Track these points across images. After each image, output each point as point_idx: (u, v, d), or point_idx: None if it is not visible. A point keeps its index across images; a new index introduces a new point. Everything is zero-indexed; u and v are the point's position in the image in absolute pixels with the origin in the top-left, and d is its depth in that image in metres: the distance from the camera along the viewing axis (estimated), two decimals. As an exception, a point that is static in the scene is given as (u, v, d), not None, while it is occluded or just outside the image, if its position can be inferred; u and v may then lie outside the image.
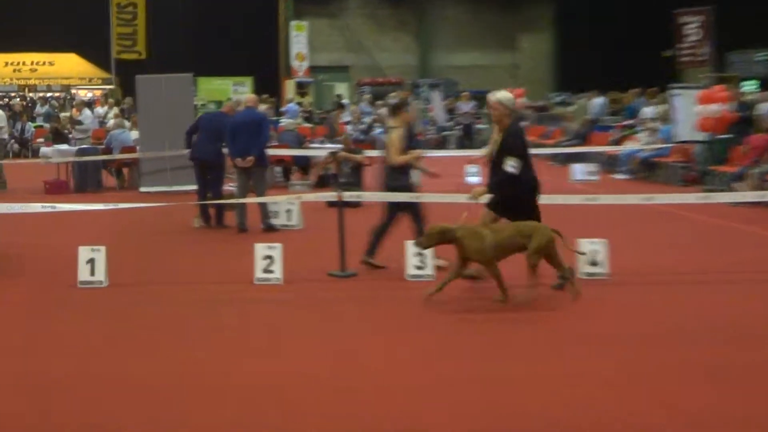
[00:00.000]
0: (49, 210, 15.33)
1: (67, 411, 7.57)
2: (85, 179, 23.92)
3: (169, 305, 11.39)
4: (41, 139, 32.20)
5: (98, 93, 45.02)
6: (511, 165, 10.74)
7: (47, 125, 34.80)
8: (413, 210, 12.74)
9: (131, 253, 14.11)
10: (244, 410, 7.63)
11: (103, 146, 25.59)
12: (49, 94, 45.09)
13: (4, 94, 43.40)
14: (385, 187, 13.26)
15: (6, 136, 27.83)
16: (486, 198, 11.73)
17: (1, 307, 11.41)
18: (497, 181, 10.88)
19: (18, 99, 41.39)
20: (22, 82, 46.85)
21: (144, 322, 10.69)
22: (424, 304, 11.20)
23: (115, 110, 35.16)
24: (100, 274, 12.30)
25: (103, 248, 12.46)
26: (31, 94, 45.25)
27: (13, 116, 33.86)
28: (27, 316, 10.82)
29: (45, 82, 47.13)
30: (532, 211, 11.07)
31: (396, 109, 12.82)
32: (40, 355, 9.44)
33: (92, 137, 29.78)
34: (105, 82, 45.85)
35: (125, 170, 24.57)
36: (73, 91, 45.77)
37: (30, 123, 35.80)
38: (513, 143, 10.99)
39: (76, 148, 25.97)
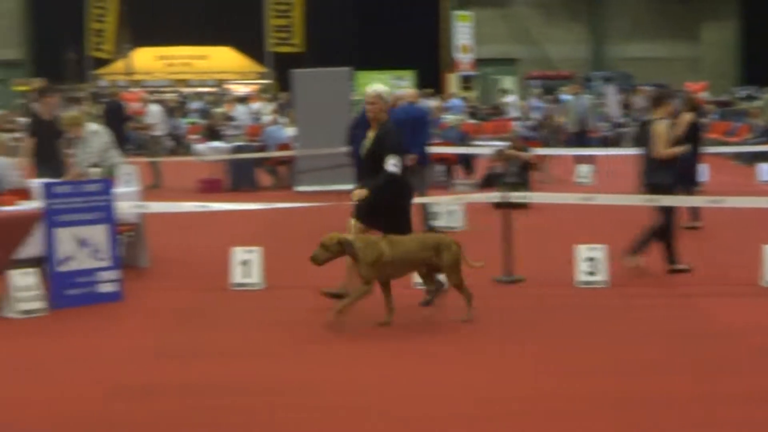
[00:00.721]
0: (203, 209, 15.67)
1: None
2: (239, 177, 24.37)
3: (326, 310, 11.39)
4: (194, 136, 32.82)
5: (253, 88, 45.49)
6: (393, 164, 10.53)
7: (201, 122, 35.50)
8: (669, 215, 12.48)
9: (287, 255, 14.23)
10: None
11: (258, 143, 26.11)
12: (202, 89, 45.87)
13: (156, 89, 43.87)
14: (644, 183, 13.12)
15: (161, 133, 28.58)
16: (356, 205, 11.43)
17: (155, 310, 11.77)
18: (379, 182, 10.54)
19: (171, 94, 42.25)
20: (175, 77, 47.73)
21: (301, 327, 10.82)
22: (587, 314, 11.03)
23: (271, 106, 35.55)
24: (256, 276, 12.55)
25: (258, 249, 12.72)
26: (184, 89, 45.90)
27: (168, 112, 34.27)
28: (180, 321, 11.14)
29: (198, 76, 48.06)
30: (406, 220, 10.91)
31: (658, 101, 12.75)
32: (198, 360, 9.57)
33: (247, 134, 30.35)
34: (260, 76, 46.86)
35: (280, 168, 24.84)
36: (227, 86, 46.35)
37: (183, 119, 36.55)
38: (392, 140, 10.77)
39: (231, 145, 26.52)
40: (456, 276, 10.68)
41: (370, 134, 10.79)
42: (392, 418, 7.96)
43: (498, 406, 8.14)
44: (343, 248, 10.60)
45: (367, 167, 10.86)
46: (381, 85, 11.15)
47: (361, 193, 10.60)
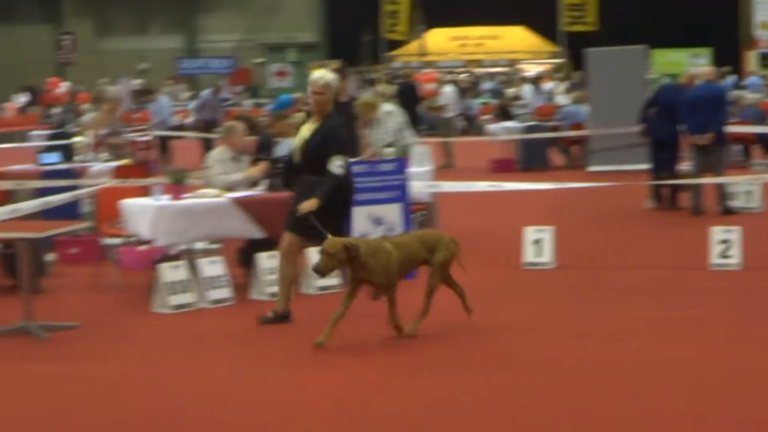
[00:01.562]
0: (495, 189, 15.85)
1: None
2: (531, 157, 24.50)
3: (617, 290, 11.51)
4: (486, 116, 32.96)
5: (545, 67, 45.48)
6: (339, 165, 9.35)
7: (493, 102, 35.78)
8: None
9: (579, 235, 14.32)
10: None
11: (552, 123, 26.09)
12: (494, 70, 46.00)
13: (449, 70, 44.16)
14: None
15: (454, 114, 29.09)
16: (293, 216, 10.07)
17: (448, 289, 11.74)
18: (326, 189, 9.23)
19: (464, 75, 42.66)
20: (468, 58, 48.01)
21: (592, 307, 10.87)
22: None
23: (563, 85, 35.68)
24: (547, 256, 12.61)
25: (549, 228, 12.80)
26: (476, 70, 46.08)
27: (460, 92, 34.54)
28: (474, 298, 10.95)
29: (491, 56, 48.21)
30: (345, 226, 9.96)
31: None
32: (476, 335, 9.75)
33: (538, 114, 30.11)
34: (552, 55, 46.73)
35: (573, 148, 24.86)
36: (519, 65, 46.32)
37: (475, 99, 36.79)
38: (339, 137, 9.55)
39: (523, 125, 26.60)
40: (440, 276, 9.95)
41: (308, 128, 9.59)
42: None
43: None
44: (349, 254, 9.53)
45: (304, 166, 9.49)
46: (328, 73, 9.96)
47: (309, 205, 9.10)
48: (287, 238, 9.43)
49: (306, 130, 9.47)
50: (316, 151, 9.19)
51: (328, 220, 9.03)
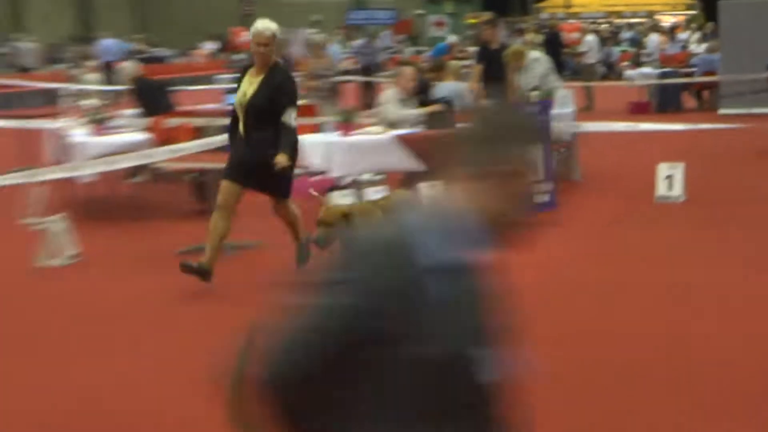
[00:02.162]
0: (631, 129, 15.81)
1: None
2: (665, 101, 23.92)
3: (745, 224, 11.16)
4: (625, 63, 32.59)
5: (680, 19, 44.83)
6: (294, 117, 8.05)
7: (631, 50, 35.28)
8: None
9: (708, 172, 13.93)
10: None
11: (685, 69, 25.60)
12: (634, 20, 45.80)
13: (592, 20, 44.35)
14: None
15: (594, 60, 28.80)
16: (231, 165, 8.79)
17: (586, 218, 11.81)
18: (289, 141, 7.87)
19: (605, 25, 42.52)
20: (609, 9, 47.87)
21: (721, 236, 10.60)
22: None
23: (697, 35, 34.92)
24: (678, 190, 12.36)
25: (681, 165, 12.52)
26: (616, 20, 46.03)
27: (601, 41, 34.26)
28: (607, 228, 11.17)
29: (631, 8, 48.24)
30: (290, 180, 8.45)
31: None
32: (612, 262, 9.69)
33: (673, 60, 28.93)
34: (687, 7, 46.22)
35: (705, 93, 24.30)
36: (657, 16, 45.71)
37: (615, 47, 36.51)
38: (291, 89, 8.21)
39: (658, 71, 26.13)
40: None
41: (250, 80, 8.06)
42: None
43: None
44: (347, 222, 8.28)
45: (251, 119, 8.00)
46: (272, 23, 8.17)
47: (284, 160, 7.65)
48: (227, 188, 7.92)
49: (248, 83, 7.90)
50: (264, 104, 7.72)
51: (272, 176, 7.73)
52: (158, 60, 32.65)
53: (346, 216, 7.08)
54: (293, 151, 7.80)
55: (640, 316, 8.25)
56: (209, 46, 36.81)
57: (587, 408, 6.23)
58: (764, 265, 9.85)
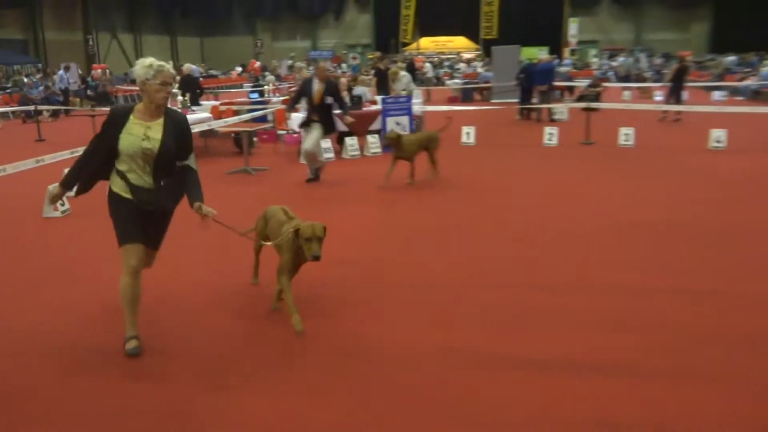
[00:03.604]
0: (449, 109, 15.53)
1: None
2: (466, 96, 23.99)
3: (507, 151, 12.10)
4: (447, 77, 30.59)
5: (473, 55, 41.84)
6: (194, 160, 4.37)
7: (450, 71, 33.57)
8: None
9: (487, 130, 14.59)
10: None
11: (475, 81, 24.83)
12: (450, 55, 42.08)
13: (430, 56, 40.58)
14: None
15: (430, 74, 28.38)
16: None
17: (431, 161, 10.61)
18: (199, 185, 4.04)
19: (436, 58, 39.09)
20: (439, 50, 43.93)
21: (495, 155, 11.58)
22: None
23: (482, 63, 33.24)
24: (473, 139, 13.46)
25: (474, 127, 13.60)
26: (442, 56, 42.34)
27: (434, 66, 33.26)
28: (441, 157, 10.29)
29: (449, 50, 44.17)
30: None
31: None
32: (449, 165, 9.85)
33: (469, 76, 28.52)
34: (477, 49, 42.78)
35: (485, 92, 23.96)
36: (461, 54, 42.49)
37: (441, 69, 34.00)
38: (190, 133, 4.12)
39: (462, 81, 25.82)
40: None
41: (149, 126, 4.06)
42: None
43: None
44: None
45: (158, 169, 4.05)
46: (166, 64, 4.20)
47: (211, 209, 4.07)
48: (139, 252, 4.05)
49: (147, 130, 4.04)
50: (174, 151, 4.10)
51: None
52: (213, 76, 32.50)
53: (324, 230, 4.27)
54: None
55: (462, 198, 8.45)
56: (238, 69, 34.99)
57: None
58: (524, 164, 10.74)
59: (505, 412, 3.33)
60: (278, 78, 20.85)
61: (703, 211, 7.44)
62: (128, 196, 3.93)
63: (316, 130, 9.26)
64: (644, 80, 28.74)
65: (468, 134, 13.44)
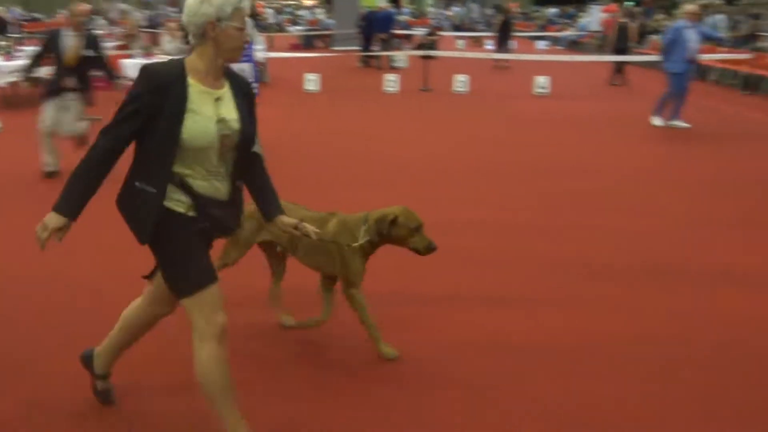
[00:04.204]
0: (292, 56, 16.17)
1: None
2: (308, 42, 23.78)
3: (343, 96, 12.51)
4: (288, 24, 29.76)
5: (316, 1, 40.87)
6: None
7: (290, 17, 32.90)
8: None
9: (330, 76, 14.64)
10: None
11: (317, 28, 24.82)
12: (291, 2, 41.38)
13: (273, 3, 37.76)
14: None
15: (272, 21, 26.89)
16: None
17: (274, 101, 11.60)
18: None
19: (278, 5, 37.74)
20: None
21: (338, 101, 11.79)
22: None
23: (323, 10, 32.99)
24: (318, 87, 13.49)
25: (319, 74, 13.60)
26: (284, 3, 40.91)
27: (276, 13, 31.87)
28: (288, 105, 11.21)
29: None
30: None
31: None
32: (295, 119, 10.12)
33: (311, 23, 28.30)
34: None
35: (326, 39, 23.88)
36: (303, 1, 42.00)
37: (282, 15, 32.85)
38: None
39: (305, 28, 25.34)
40: None
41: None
42: None
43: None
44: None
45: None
46: None
47: None
48: (222, 297, 2.53)
49: (219, 104, 2.39)
50: (253, 136, 2.52)
51: None
52: (37, 20, 29.23)
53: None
54: None
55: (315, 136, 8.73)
56: (64, 11, 32.85)
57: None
58: (367, 110, 10.88)
59: (409, 336, 3.50)
60: (111, 23, 19.67)
61: (533, 152, 7.95)
62: (192, 213, 2.40)
63: (70, 105, 6.67)
64: (476, 30, 29.53)
65: (311, 81, 13.43)
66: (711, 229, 5.48)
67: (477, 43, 24.22)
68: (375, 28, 17.51)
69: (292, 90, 13.22)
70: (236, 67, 2.56)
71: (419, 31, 22.45)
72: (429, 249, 3.08)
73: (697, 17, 9.99)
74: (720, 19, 18.74)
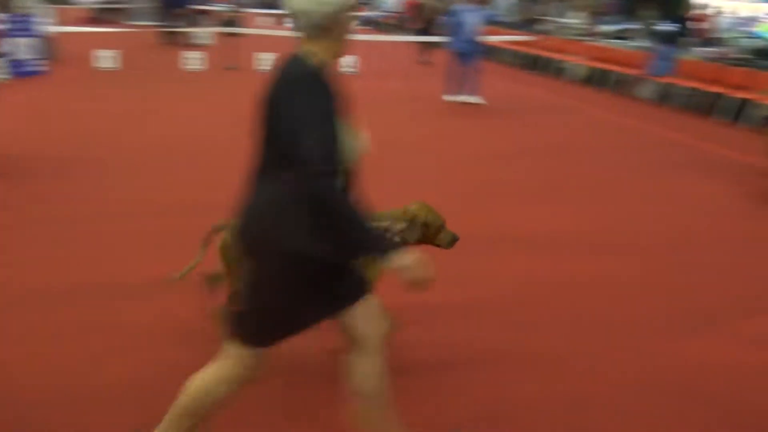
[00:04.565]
0: (90, 30, 15.41)
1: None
2: (103, 16, 22.29)
3: (156, 79, 11.73)
4: None
5: None
6: None
7: None
8: None
9: (131, 55, 14.01)
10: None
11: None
12: None
13: None
14: None
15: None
16: None
17: (71, 76, 11.35)
18: None
19: None
20: None
21: (139, 91, 10.78)
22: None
23: None
24: (119, 64, 12.88)
25: (119, 51, 13.20)
26: None
27: None
28: (82, 83, 10.76)
29: None
30: None
31: None
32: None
33: None
34: None
35: (127, 12, 22.70)
36: None
37: None
38: None
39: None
40: None
41: None
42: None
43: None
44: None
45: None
46: None
47: None
48: None
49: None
50: None
51: None
52: None
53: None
54: None
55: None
56: None
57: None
58: (168, 89, 10.45)
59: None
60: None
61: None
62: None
63: None
64: (279, 7, 29.39)
65: (106, 59, 12.97)
66: (507, 198, 5.73)
67: (280, 20, 23.81)
68: (172, 3, 16.96)
69: (84, 67, 12.65)
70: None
71: (220, 7, 21.88)
72: (452, 242, 2.90)
73: (479, 1, 10.54)
74: (512, 3, 19.56)
